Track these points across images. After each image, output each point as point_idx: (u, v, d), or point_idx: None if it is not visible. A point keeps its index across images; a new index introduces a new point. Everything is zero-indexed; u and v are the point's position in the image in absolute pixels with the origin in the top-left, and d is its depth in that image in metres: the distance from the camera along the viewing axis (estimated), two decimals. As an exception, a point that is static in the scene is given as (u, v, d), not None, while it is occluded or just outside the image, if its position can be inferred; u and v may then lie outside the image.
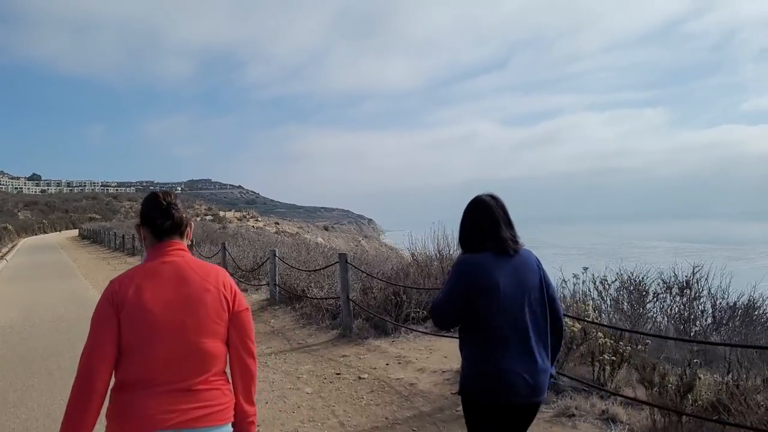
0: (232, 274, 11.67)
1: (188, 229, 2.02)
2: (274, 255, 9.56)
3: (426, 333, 6.84)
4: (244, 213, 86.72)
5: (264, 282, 11.50)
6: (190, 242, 2.08)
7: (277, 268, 9.57)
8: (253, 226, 63.65)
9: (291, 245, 12.83)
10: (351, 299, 7.25)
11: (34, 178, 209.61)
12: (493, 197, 2.45)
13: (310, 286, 9.01)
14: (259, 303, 9.97)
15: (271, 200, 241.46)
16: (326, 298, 8.13)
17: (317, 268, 9.08)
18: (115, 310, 1.81)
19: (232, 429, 1.93)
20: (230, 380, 1.98)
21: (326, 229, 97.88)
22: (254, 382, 2.01)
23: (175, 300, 1.84)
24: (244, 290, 11.34)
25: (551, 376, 2.40)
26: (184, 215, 1.97)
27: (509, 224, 2.40)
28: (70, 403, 1.76)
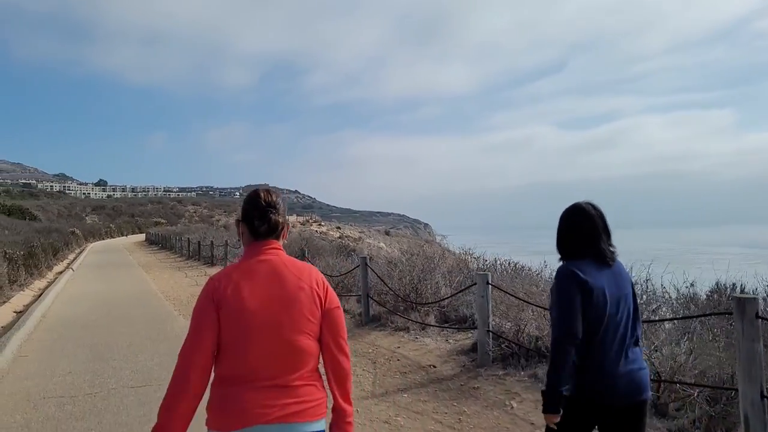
0: (382, 304, 8.03)
1: (285, 229, 2.02)
2: (486, 282, 5.76)
3: None
4: (307, 218, 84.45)
5: (432, 319, 7.75)
6: (286, 241, 2.06)
7: (489, 304, 5.78)
8: (316, 231, 60.93)
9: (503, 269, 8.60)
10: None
11: (101, 183, 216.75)
12: (592, 205, 2.44)
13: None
14: (451, 358, 6.21)
15: (327, 205, 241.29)
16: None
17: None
18: (215, 308, 1.84)
19: (325, 424, 1.92)
20: (323, 377, 1.97)
21: (387, 233, 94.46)
22: (349, 379, 2.00)
23: (271, 299, 1.86)
24: (403, 329, 7.65)
25: None
26: (280, 219, 1.98)
27: (608, 233, 2.42)
28: (167, 393, 1.82)
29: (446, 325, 7.46)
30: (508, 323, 6.00)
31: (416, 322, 7.60)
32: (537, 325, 5.74)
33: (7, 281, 13.67)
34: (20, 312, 11.08)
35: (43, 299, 11.98)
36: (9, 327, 9.16)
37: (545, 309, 5.80)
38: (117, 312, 10.26)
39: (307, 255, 10.66)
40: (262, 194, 1.98)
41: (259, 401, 1.79)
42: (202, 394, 1.83)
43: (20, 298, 12.77)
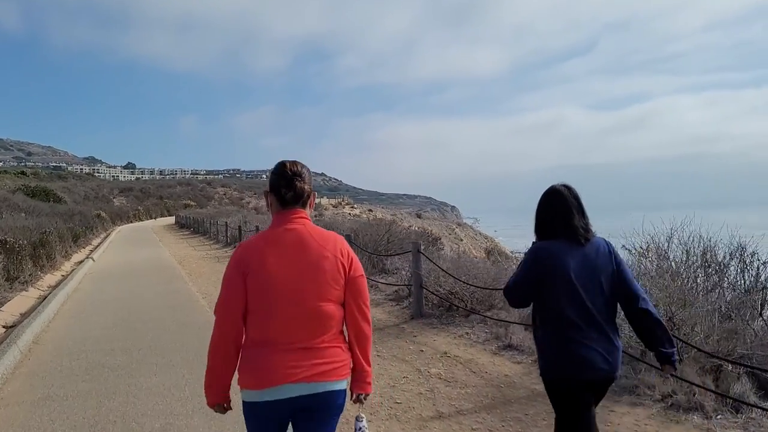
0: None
1: (311, 199, 2.09)
2: None
3: None
4: (339, 200, 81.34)
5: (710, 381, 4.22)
6: (312, 210, 2.11)
7: None
8: (349, 214, 57.73)
9: None
10: None
11: (129, 166, 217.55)
12: (566, 187, 2.49)
13: None
14: None
15: (354, 187, 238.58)
16: None
17: None
18: (242, 275, 1.93)
19: (347, 384, 2.04)
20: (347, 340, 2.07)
21: (419, 216, 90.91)
22: (369, 343, 2.10)
23: (296, 267, 1.94)
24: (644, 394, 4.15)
25: (675, 358, 2.38)
26: (306, 187, 2.05)
27: (582, 213, 2.45)
28: (210, 354, 2.00)
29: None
30: None
31: (687, 382, 4.07)
32: None
33: (3, 279, 10.57)
34: (10, 327, 7.91)
35: (44, 307, 8.76)
36: (-15, 358, 5.97)
37: None
38: (142, 337, 6.94)
39: (422, 250, 7.09)
40: (288, 164, 2.07)
41: (286, 362, 1.89)
42: (240, 342, 1.98)
43: (19, 302, 9.60)
